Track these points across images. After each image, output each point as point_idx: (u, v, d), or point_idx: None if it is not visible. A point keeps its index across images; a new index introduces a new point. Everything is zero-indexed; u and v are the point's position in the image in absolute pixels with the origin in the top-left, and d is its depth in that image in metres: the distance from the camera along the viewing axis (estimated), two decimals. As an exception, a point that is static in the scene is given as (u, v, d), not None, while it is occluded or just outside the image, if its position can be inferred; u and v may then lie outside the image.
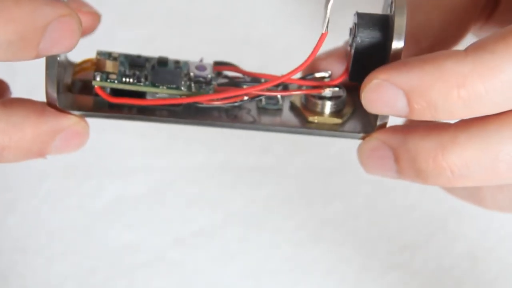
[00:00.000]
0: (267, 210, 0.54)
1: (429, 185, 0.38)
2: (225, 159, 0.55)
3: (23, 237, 0.53)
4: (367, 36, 0.38)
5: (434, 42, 0.41)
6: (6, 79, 0.42)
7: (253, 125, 0.40)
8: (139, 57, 0.40)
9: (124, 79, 0.39)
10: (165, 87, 0.39)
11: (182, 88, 0.39)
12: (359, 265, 0.53)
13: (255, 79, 0.41)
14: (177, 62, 0.40)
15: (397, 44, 0.37)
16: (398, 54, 0.37)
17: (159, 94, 0.40)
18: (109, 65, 0.40)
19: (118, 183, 0.54)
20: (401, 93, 0.36)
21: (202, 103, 0.39)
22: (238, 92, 0.39)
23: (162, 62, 0.40)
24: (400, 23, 0.36)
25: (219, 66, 0.40)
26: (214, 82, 0.40)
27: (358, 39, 0.38)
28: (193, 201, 0.54)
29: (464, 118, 0.36)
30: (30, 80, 0.52)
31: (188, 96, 0.39)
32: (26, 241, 0.53)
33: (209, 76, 0.40)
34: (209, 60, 0.41)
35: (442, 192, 0.53)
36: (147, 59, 0.40)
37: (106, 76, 0.39)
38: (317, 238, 0.53)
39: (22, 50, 0.36)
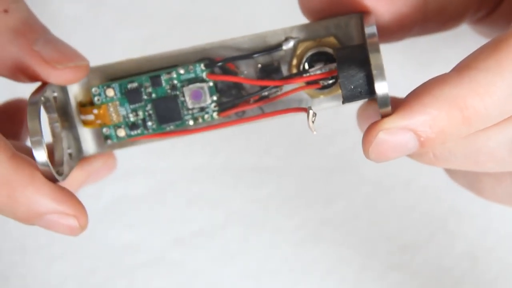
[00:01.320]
0: (267, 210, 0.54)
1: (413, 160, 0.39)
2: (226, 159, 0.55)
3: (23, 237, 0.53)
4: (350, 74, 0.38)
5: (441, 15, 0.41)
6: (7, 82, 0.42)
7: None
8: (131, 81, 0.40)
9: (132, 133, 0.41)
10: (172, 126, 0.41)
11: (187, 122, 0.41)
12: (359, 265, 0.53)
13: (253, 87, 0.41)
14: (168, 73, 0.40)
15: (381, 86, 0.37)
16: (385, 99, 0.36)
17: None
18: (111, 111, 0.40)
19: (118, 183, 0.54)
20: (409, 134, 0.36)
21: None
22: (241, 121, 0.41)
23: (156, 83, 0.40)
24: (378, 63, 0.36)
25: (214, 75, 0.40)
26: (215, 107, 0.41)
27: (342, 79, 0.38)
28: (193, 201, 0.54)
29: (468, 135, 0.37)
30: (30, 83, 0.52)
31: (196, 128, 0.41)
32: (26, 241, 0.53)
33: (208, 102, 0.40)
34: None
35: (442, 192, 0.53)
36: (141, 85, 0.40)
37: (115, 134, 0.41)
38: (317, 238, 0.53)
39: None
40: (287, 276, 0.53)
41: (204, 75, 0.40)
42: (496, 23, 0.43)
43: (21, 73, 0.39)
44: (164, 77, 0.40)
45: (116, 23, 0.57)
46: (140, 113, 0.41)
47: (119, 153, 0.54)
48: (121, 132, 0.41)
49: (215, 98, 0.40)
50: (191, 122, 0.41)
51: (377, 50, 0.36)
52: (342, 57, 0.38)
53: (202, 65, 0.40)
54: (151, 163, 0.55)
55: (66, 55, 0.39)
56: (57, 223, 0.38)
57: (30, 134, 0.37)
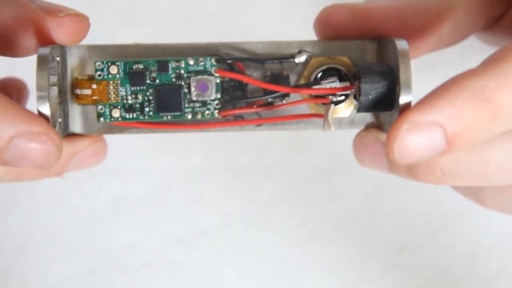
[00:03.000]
0: (267, 210, 0.54)
1: (423, 182, 0.38)
2: (225, 159, 0.55)
3: (23, 237, 0.53)
4: (372, 81, 0.38)
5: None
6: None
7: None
8: (138, 62, 0.40)
9: (127, 115, 0.40)
10: (169, 117, 0.40)
11: (186, 115, 0.40)
12: (359, 265, 0.53)
13: (259, 89, 0.41)
14: (177, 61, 0.40)
15: (405, 98, 0.36)
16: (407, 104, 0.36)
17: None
18: (110, 89, 0.40)
19: (118, 183, 0.54)
20: (436, 128, 0.34)
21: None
22: (241, 122, 0.41)
23: (163, 68, 0.40)
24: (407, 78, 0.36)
25: (223, 71, 0.40)
26: (217, 104, 0.40)
27: (364, 84, 0.38)
28: (193, 201, 0.54)
29: (498, 135, 0.36)
30: (30, 80, 0.52)
31: (193, 123, 0.40)
32: (26, 241, 0.53)
33: (212, 97, 0.40)
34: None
35: (442, 192, 0.53)
36: (147, 68, 0.40)
37: (109, 114, 0.39)
38: (317, 238, 0.53)
39: None
40: (287, 276, 0.53)
41: (213, 70, 0.40)
42: (501, 32, 0.43)
43: (22, 36, 0.37)
44: (172, 64, 0.40)
45: (116, 23, 0.57)
46: (140, 96, 0.40)
47: (119, 153, 0.54)
48: (116, 113, 0.40)
49: (219, 95, 0.40)
50: (189, 116, 0.40)
51: (408, 64, 0.36)
52: (364, 66, 0.38)
53: (213, 60, 0.40)
54: (151, 163, 0.55)
55: (65, 7, 0.39)
56: (27, 149, 0.34)
57: (37, 88, 0.36)
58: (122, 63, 0.39)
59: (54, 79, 0.39)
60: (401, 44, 0.37)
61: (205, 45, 0.40)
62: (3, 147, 0.34)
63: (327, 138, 0.54)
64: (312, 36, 0.41)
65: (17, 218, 0.53)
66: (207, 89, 0.40)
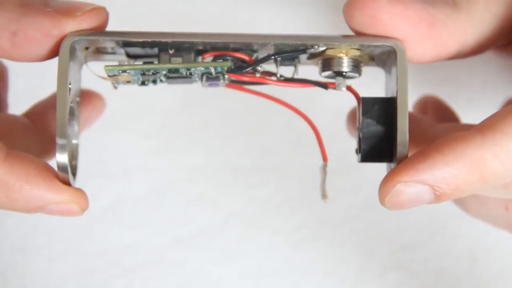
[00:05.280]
0: (267, 210, 0.54)
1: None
2: (225, 159, 0.55)
3: (23, 237, 0.53)
4: (372, 124, 0.38)
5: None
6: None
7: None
8: (148, 70, 0.40)
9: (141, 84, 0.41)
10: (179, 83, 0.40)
11: (196, 80, 0.40)
12: (359, 265, 0.53)
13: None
14: (188, 69, 0.40)
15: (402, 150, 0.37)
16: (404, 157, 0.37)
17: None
18: (123, 76, 0.40)
19: (118, 183, 0.54)
20: (426, 188, 0.36)
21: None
22: (254, 79, 0.40)
23: (173, 69, 0.40)
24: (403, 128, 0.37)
25: (233, 73, 0.40)
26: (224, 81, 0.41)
27: (364, 129, 0.38)
28: (193, 201, 0.54)
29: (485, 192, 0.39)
30: (30, 81, 0.52)
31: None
32: (26, 241, 0.53)
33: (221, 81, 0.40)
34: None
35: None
36: (158, 72, 0.40)
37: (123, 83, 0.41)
38: (317, 238, 0.53)
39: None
40: (287, 276, 0.53)
41: (224, 72, 0.40)
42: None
43: (44, 40, 0.38)
44: (182, 71, 0.40)
45: (116, 23, 0.57)
46: (151, 76, 0.40)
47: (119, 152, 0.54)
48: (130, 81, 0.41)
49: (227, 76, 0.40)
50: (197, 79, 0.40)
51: (406, 121, 0.37)
52: (367, 114, 0.38)
53: (224, 69, 0.40)
54: (151, 163, 0.55)
55: (80, 3, 0.39)
56: (58, 211, 0.38)
57: (58, 135, 0.37)
58: (133, 71, 0.40)
59: (73, 130, 0.40)
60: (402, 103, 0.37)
61: (215, 39, 0.40)
62: (36, 211, 0.38)
63: (327, 138, 0.54)
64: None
65: (17, 218, 0.53)
66: (217, 86, 0.40)
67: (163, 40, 0.39)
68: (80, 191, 0.39)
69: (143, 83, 0.41)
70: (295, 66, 0.41)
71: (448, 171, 0.36)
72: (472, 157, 0.36)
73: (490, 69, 0.53)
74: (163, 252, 0.53)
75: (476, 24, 0.39)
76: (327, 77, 0.40)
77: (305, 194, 0.55)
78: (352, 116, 0.45)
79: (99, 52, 0.41)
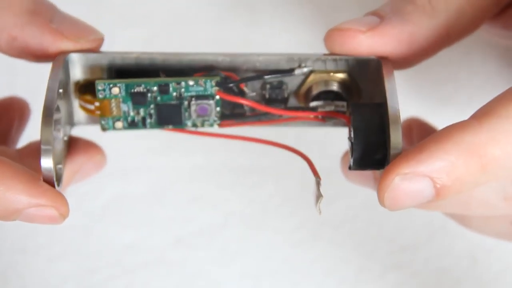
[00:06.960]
0: (267, 210, 0.54)
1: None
2: (225, 159, 0.55)
3: (23, 237, 0.53)
4: (363, 129, 0.38)
5: (463, 32, 0.41)
6: (7, 79, 0.42)
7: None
8: (139, 84, 0.40)
9: (130, 127, 0.41)
10: (170, 126, 0.41)
11: (188, 125, 0.41)
12: (359, 265, 0.53)
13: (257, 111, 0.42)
14: (178, 83, 0.40)
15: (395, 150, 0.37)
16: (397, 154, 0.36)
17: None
18: (113, 105, 0.40)
19: (118, 183, 0.54)
20: (426, 180, 0.35)
21: None
22: (242, 123, 0.42)
23: (164, 90, 0.40)
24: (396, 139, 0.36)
25: (224, 94, 0.40)
26: (216, 118, 0.41)
27: (355, 137, 0.38)
28: (193, 201, 0.54)
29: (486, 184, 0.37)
30: (30, 81, 0.52)
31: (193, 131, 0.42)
32: (26, 241, 0.53)
33: (212, 116, 0.41)
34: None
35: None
36: (148, 90, 0.40)
37: (113, 125, 0.41)
38: (317, 238, 0.53)
39: None
40: (287, 276, 0.53)
41: (213, 90, 0.40)
42: (507, 23, 0.43)
43: (40, 52, 0.39)
44: (172, 85, 0.40)
45: (116, 23, 0.57)
46: (142, 112, 0.41)
47: (118, 152, 0.54)
48: (119, 124, 0.41)
49: (218, 109, 0.41)
50: (190, 125, 0.41)
51: (398, 130, 0.36)
52: (358, 119, 0.38)
53: (213, 82, 0.40)
54: (151, 163, 0.55)
55: (85, 29, 0.40)
56: (36, 216, 0.37)
57: (42, 142, 0.37)
58: (124, 85, 0.40)
59: (58, 133, 0.40)
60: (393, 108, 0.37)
61: (203, 57, 0.40)
62: (13, 215, 0.37)
63: (327, 139, 0.54)
64: (310, 37, 0.41)
65: (17, 218, 0.53)
66: (206, 112, 0.41)
67: (155, 57, 0.40)
68: (59, 194, 0.37)
69: (132, 122, 0.41)
70: (287, 97, 0.41)
71: (446, 158, 0.35)
72: (470, 143, 0.35)
73: (490, 69, 0.53)
74: (163, 252, 0.53)
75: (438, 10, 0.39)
76: (317, 106, 0.41)
77: (305, 194, 0.55)
78: (346, 159, 0.44)
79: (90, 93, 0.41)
